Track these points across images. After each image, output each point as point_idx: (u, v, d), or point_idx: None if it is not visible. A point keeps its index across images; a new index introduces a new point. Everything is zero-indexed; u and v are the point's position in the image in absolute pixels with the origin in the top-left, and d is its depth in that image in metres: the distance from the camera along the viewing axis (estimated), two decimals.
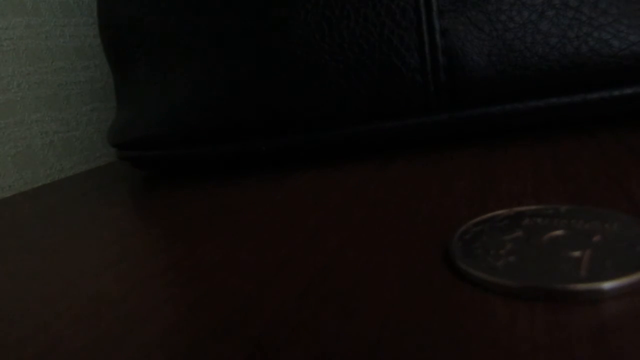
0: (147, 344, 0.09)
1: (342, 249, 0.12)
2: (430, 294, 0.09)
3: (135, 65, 0.23)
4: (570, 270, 0.09)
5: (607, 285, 0.08)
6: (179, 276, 0.12)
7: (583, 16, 0.17)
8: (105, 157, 0.36)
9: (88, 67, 0.35)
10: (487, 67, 0.17)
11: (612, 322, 0.08)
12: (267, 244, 0.13)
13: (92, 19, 0.36)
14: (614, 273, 0.08)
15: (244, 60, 0.19)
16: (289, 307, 0.10)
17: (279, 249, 0.13)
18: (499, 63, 0.17)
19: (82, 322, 0.11)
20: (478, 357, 0.07)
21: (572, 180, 0.14)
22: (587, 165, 0.15)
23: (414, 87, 0.18)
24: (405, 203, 0.14)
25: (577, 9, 0.17)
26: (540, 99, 0.18)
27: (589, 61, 0.17)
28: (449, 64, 0.18)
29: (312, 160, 0.21)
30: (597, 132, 0.18)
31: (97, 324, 0.10)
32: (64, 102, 0.33)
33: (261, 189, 0.19)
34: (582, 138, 0.18)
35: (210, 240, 0.14)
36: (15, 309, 0.12)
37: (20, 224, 0.20)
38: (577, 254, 0.09)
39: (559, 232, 0.10)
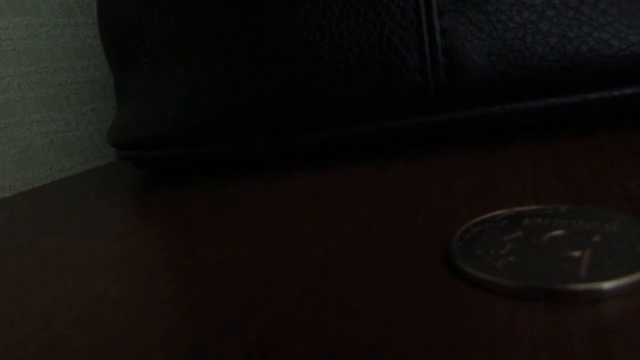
0: (147, 344, 0.09)
1: (342, 249, 0.12)
2: (430, 294, 0.09)
3: (135, 65, 0.23)
4: (570, 270, 0.09)
5: (607, 285, 0.08)
6: (179, 276, 0.12)
7: (583, 16, 0.17)
8: (105, 157, 0.36)
9: (88, 67, 0.35)
10: (487, 67, 0.17)
11: (612, 322, 0.08)
12: (267, 244, 0.13)
13: (92, 19, 0.36)
14: (614, 273, 0.08)
15: (244, 60, 0.19)
16: (289, 307, 0.10)
17: (279, 249, 0.13)
18: (498, 63, 0.17)
19: (82, 322, 0.11)
20: (478, 357, 0.07)
21: (572, 180, 0.14)
22: (587, 165, 0.15)
23: (414, 87, 0.18)
24: (405, 203, 0.14)
25: (577, 9, 0.17)
26: (540, 99, 0.18)
27: (589, 61, 0.17)
28: (449, 64, 0.18)
29: (312, 160, 0.21)
30: (597, 132, 0.18)
31: (97, 324, 0.10)
32: (64, 102, 0.33)
33: (261, 189, 0.19)
34: (582, 138, 0.18)
35: (210, 240, 0.14)
36: (15, 309, 0.12)
37: (20, 224, 0.20)
38: (577, 254, 0.09)
39: (559, 232, 0.10)
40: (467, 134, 0.20)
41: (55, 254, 0.15)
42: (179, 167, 0.23)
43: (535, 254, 0.09)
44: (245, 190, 0.19)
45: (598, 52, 0.17)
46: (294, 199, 0.16)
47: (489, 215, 0.12)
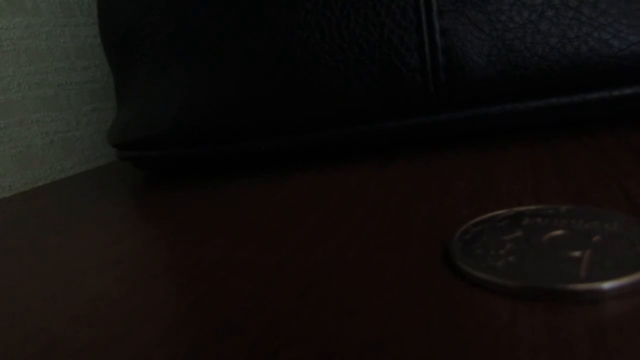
0: (147, 344, 0.09)
1: (342, 249, 0.12)
2: (430, 294, 0.09)
3: (135, 65, 0.23)
4: (570, 270, 0.09)
5: (607, 285, 0.08)
6: (179, 276, 0.12)
7: (583, 16, 0.17)
8: (106, 157, 0.36)
9: (88, 67, 0.35)
10: (487, 67, 0.17)
11: (612, 322, 0.08)
12: (267, 244, 0.13)
13: (92, 19, 0.36)
14: (614, 273, 0.08)
15: (244, 60, 0.19)
16: (289, 307, 0.10)
17: (279, 249, 0.13)
18: (498, 63, 0.17)
19: (82, 322, 0.11)
20: (478, 357, 0.07)
21: (572, 180, 0.14)
22: (587, 165, 0.15)
23: (414, 87, 0.18)
24: (405, 203, 0.14)
25: (576, 9, 0.17)
26: (540, 99, 0.18)
27: (589, 61, 0.17)
28: (449, 64, 0.18)
29: (312, 160, 0.21)
30: (597, 132, 0.18)
31: (97, 324, 0.10)
32: (64, 102, 0.33)
33: (261, 189, 0.19)
34: (582, 138, 0.18)
35: (210, 240, 0.14)
36: (15, 309, 0.12)
37: (20, 224, 0.20)
38: (577, 254, 0.09)
39: (558, 232, 0.10)
40: (467, 134, 0.20)
41: (55, 254, 0.15)
42: (179, 167, 0.23)
43: (535, 254, 0.09)
44: (245, 190, 0.19)
45: (598, 52, 0.17)
46: (294, 199, 0.16)
47: (489, 215, 0.12)
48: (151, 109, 0.22)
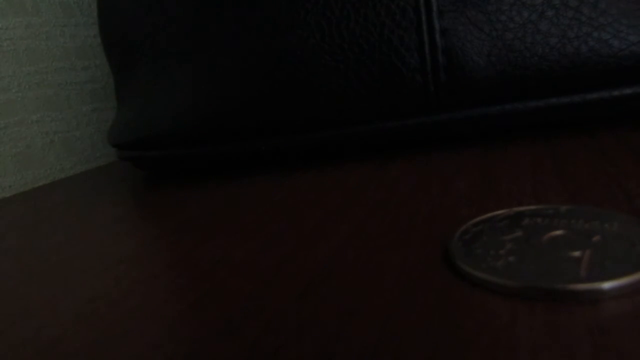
0: (147, 344, 0.09)
1: (342, 249, 0.12)
2: (430, 294, 0.09)
3: (135, 65, 0.23)
4: (570, 270, 0.09)
5: (607, 285, 0.08)
6: (179, 276, 0.12)
7: (583, 16, 0.17)
8: (106, 157, 0.36)
9: (88, 67, 0.35)
10: (487, 67, 0.17)
11: (612, 322, 0.08)
12: (267, 244, 0.13)
13: (92, 19, 0.36)
14: (614, 273, 0.08)
15: (243, 61, 0.19)
16: (289, 307, 0.10)
17: (279, 249, 0.13)
18: (498, 63, 0.17)
19: (82, 322, 0.11)
20: (478, 357, 0.07)
21: (572, 180, 0.14)
22: (587, 165, 0.15)
23: (414, 87, 0.18)
24: (405, 203, 0.14)
25: (576, 9, 0.17)
26: (540, 99, 0.18)
27: (589, 61, 0.17)
28: (449, 64, 0.18)
29: (312, 160, 0.21)
30: (597, 132, 0.18)
31: (97, 324, 0.10)
32: (64, 102, 0.33)
33: (261, 189, 0.19)
34: (582, 138, 0.18)
35: (210, 240, 0.14)
36: (15, 309, 0.12)
37: (20, 224, 0.20)
38: (577, 254, 0.09)
39: (558, 232, 0.10)
40: (467, 133, 0.20)
41: (55, 254, 0.15)
42: (179, 167, 0.23)
43: (535, 254, 0.09)
44: (245, 190, 0.19)
45: (598, 52, 0.17)
46: (294, 199, 0.16)
47: (489, 215, 0.12)
48: (151, 109, 0.22)
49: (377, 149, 0.21)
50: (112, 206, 0.20)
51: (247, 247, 0.13)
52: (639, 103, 0.18)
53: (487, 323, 0.08)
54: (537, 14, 0.17)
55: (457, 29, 0.17)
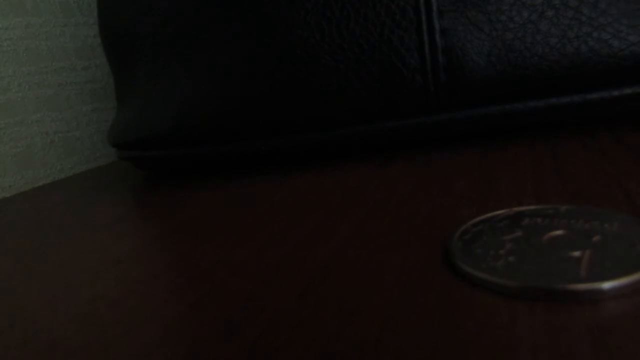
0: (147, 344, 0.09)
1: (342, 249, 0.12)
2: (430, 294, 0.09)
3: (135, 66, 0.23)
4: (570, 270, 0.09)
5: (607, 285, 0.08)
6: (179, 276, 0.12)
7: (583, 16, 0.17)
8: (106, 157, 0.36)
9: (88, 67, 0.35)
10: (487, 67, 0.17)
11: (612, 322, 0.08)
12: (267, 244, 0.13)
13: (92, 19, 0.36)
14: (614, 273, 0.08)
15: (244, 60, 0.19)
16: (289, 307, 0.10)
17: (279, 249, 0.13)
18: (498, 63, 0.17)
19: (82, 322, 0.11)
20: (478, 357, 0.07)
21: (572, 180, 0.14)
22: (587, 165, 0.15)
23: (414, 87, 0.18)
24: (405, 203, 0.14)
25: (576, 9, 0.17)
26: (540, 99, 0.18)
27: (589, 61, 0.17)
28: (449, 64, 0.18)
29: (312, 160, 0.21)
30: (597, 132, 0.18)
31: (97, 324, 0.10)
32: (64, 102, 0.33)
33: (261, 189, 0.19)
34: (582, 138, 0.18)
35: (210, 240, 0.14)
36: (15, 309, 0.12)
37: (20, 224, 0.20)
38: (577, 254, 0.09)
39: (558, 232, 0.10)
40: (467, 133, 0.20)
41: (55, 254, 0.15)
42: (179, 167, 0.23)
43: (535, 254, 0.09)
44: (245, 190, 0.19)
45: (598, 52, 0.17)
46: (294, 199, 0.16)
47: (489, 215, 0.12)
48: (151, 109, 0.22)
49: (377, 149, 0.21)
50: (112, 206, 0.20)
51: (247, 247, 0.13)
52: (639, 103, 0.18)
53: (487, 323, 0.08)
54: (537, 14, 0.17)
55: (457, 29, 0.17)
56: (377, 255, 0.11)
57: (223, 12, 0.20)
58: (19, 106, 0.30)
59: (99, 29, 0.24)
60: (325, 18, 0.18)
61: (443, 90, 0.18)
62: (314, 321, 0.09)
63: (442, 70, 0.18)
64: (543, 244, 0.10)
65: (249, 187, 0.19)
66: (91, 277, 0.13)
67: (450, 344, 0.08)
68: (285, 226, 0.14)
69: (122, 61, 0.23)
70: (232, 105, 0.20)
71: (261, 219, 0.15)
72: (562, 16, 0.17)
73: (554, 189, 0.13)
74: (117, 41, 0.23)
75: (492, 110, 0.18)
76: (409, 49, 0.18)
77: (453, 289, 0.09)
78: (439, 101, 0.18)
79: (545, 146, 0.17)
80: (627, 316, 0.08)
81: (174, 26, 0.21)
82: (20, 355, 0.10)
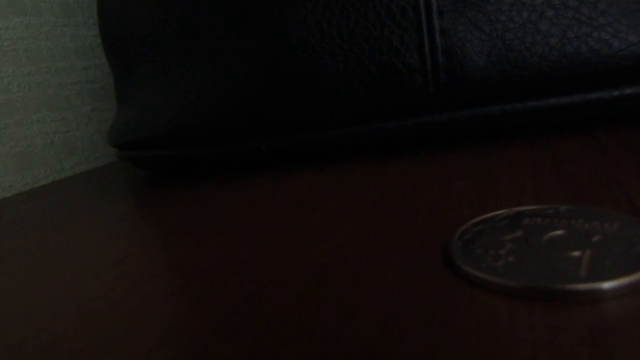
0: (147, 344, 0.09)
1: (342, 249, 0.12)
2: (430, 294, 0.09)
3: (135, 66, 0.23)
4: (570, 270, 0.09)
5: (607, 285, 0.08)
6: (179, 276, 0.12)
7: (582, 16, 0.17)
8: (106, 157, 0.36)
9: (88, 67, 0.35)
10: (487, 67, 0.17)
11: (612, 322, 0.08)
12: (267, 244, 0.13)
13: (92, 19, 0.36)
14: (614, 273, 0.08)
15: (244, 61, 0.19)
16: (288, 307, 0.10)
17: (279, 249, 0.13)
18: (498, 63, 0.17)
19: (82, 322, 0.11)
20: (478, 357, 0.07)
21: (572, 180, 0.14)
22: (587, 165, 0.15)
23: (414, 87, 0.18)
24: (405, 203, 0.14)
25: (576, 9, 0.17)
26: (540, 99, 0.18)
27: (589, 61, 0.17)
28: (449, 64, 0.18)
29: (312, 160, 0.21)
30: (597, 132, 0.18)
31: (97, 324, 0.10)
32: (64, 102, 0.33)
33: (261, 188, 0.19)
34: (582, 138, 0.18)
35: (210, 240, 0.14)
36: (15, 309, 0.12)
37: (20, 224, 0.20)
38: (577, 254, 0.09)
39: (558, 232, 0.10)
40: (467, 133, 0.20)
41: (55, 254, 0.15)
42: (179, 167, 0.23)
43: (535, 254, 0.09)
44: (245, 190, 0.19)
45: (598, 52, 0.17)
46: (294, 199, 0.16)
47: (489, 215, 0.12)
48: (151, 109, 0.22)
49: (377, 149, 0.21)
50: (112, 206, 0.20)
51: (247, 247, 0.13)
52: (639, 103, 0.18)
53: (487, 323, 0.08)
54: (537, 14, 0.17)
55: (457, 29, 0.17)
56: (377, 255, 0.11)
57: (223, 12, 0.20)
58: (19, 106, 0.30)
59: (99, 29, 0.24)
60: (325, 18, 0.18)
61: (443, 90, 0.18)
62: (314, 321, 0.09)
63: (442, 70, 0.18)
64: (543, 244, 0.10)
65: (249, 187, 0.19)
66: (91, 277, 0.13)
67: (450, 344, 0.08)
68: (285, 226, 0.14)
69: (122, 61, 0.23)
70: (232, 105, 0.20)
71: (261, 219, 0.15)
72: (562, 16, 0.17)
73: (554, 189, 0.13)
74: (117, 41, 0.23)
75: (492, 110, 0.18)
76: (409, 49, 0.18)
77: (453, 289, 0.09)
78: (438, 101, 0.18)
79: (545, 146, 0.17)
80: (627, 316, 0.08)
81: (174, 26, 0.21)
82: (20, 355, 0.10)
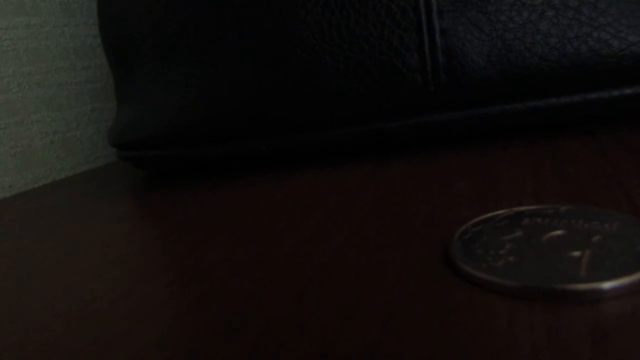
0: (147, 343, 0.09)
1: (342, 249, 0.12)
2: (430, 294, 0.09)
3: (135, 65, 0.23)
4: (570, 270, 0.09)
5: (607, 285, 0.08)
6: (179, 276, 0.12)
7: (582, 16, 0.17)
8: (106, 157, 0.36)
9: (88, 67, 0.35)
10: (487, 67, 0.17)
11: (612, 322, 0.08)
12: (267, 244, 0.13)
13: (92, 19, 0.36)
14: (614, 273, 0.08)
15: (244, 61, 0.19)
16: (289, 307, 0.10)
17: (279, 249, 0.13)
18: (498, 63, 0.17)
19: (82, 322, 0.11)
20: (478, 357, 0.07)
21: (572, 180, 0.14)
22: (587, 165, 0.15)
23: (414, 87, 0.18)
24: (405, 203, 0.14)
25: (576, 9, 0.17)
26: (540, 99, 0.18)
27: (589, 61, 0.17)
28: (449, 64, 0.18)
29: (312, 160, 0.21)
30: (597, 132, 0.18)
31: (97, 324, 0.10)
32: (64, 102, 0.33)
33: (261, 189, 0.19)
34: (582, 138, 0.18)
35: (210, 240, 0.14)
36: (15, 309, 0.12)
37: (20, 224, 0.20)
38: (577, 254, 0.09)
39: (558, 232, 0.10)
40: (467, 133, 0.20)
41: (55, 254, 0.15)
42: (179, 167, 0.23)
43: (535, 254, 0.09)
44: (245, 190, 0.19)
45: (598, 52, 0.17)
46: (294, 199, 0.17)
47: (489, 215, 0.12)
48: (151, 109, 0.22)
49: (377, 149, 0.21)
50: (112, 206, 0.20)
51: (247, 247, 0.13)
52: (639, 103, 0.18)
53: (487, 323, 0.08)
54: (537, 14, 0.17)
55: (457, 29, 0.17)
56: (377, 255, 0.11)
57: (223, 12, 0.20)
58: (19, 106, 0.30)
59: (99, 29, 0.24)
60: (325, 18, 0.18)
61: (443, 90, 0.18)
62: (314, 321, 0.09)
63: (442, 70, 0.18)
64: (543, 244, 0.10)
65: (249, 187, 0.19)
66: (91, 277, 0.13)
67: (450, 344, 0.08)
68: (285, 226, 0.14)
69: (122, 61, 0.23)
70: (232, 105, 0.20)
71: (261, 219, 0.15)
72: (562, 16, 0.17)
73: (554, 189, 0.13)
74: (117, 41, 0.23)
75: (492, 110, 0.18)
76: (409, 49, 0.18)
77: (453, 289, 0.09)
78: (438, 101, 0.18)
79: (545, 146, 0.17)
80: (627, 316, 0.08)
81: (174, 27, 0.21)
82: (20, 355, 0.10)
